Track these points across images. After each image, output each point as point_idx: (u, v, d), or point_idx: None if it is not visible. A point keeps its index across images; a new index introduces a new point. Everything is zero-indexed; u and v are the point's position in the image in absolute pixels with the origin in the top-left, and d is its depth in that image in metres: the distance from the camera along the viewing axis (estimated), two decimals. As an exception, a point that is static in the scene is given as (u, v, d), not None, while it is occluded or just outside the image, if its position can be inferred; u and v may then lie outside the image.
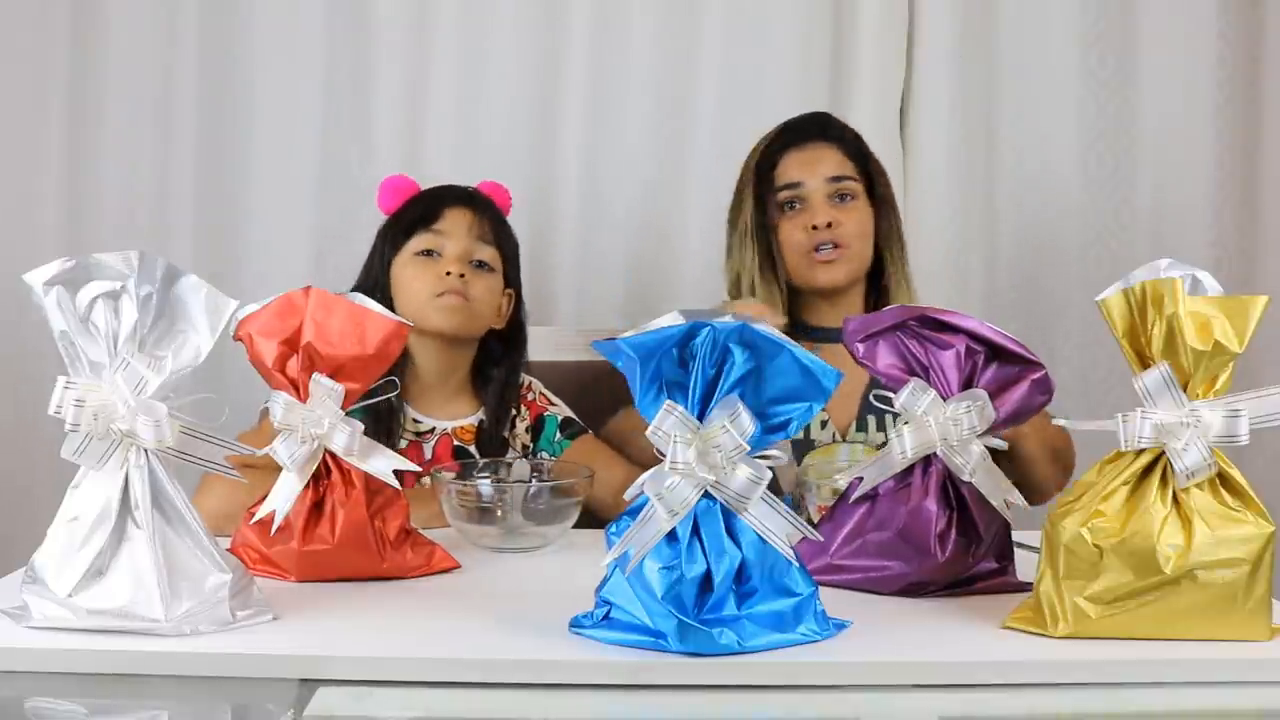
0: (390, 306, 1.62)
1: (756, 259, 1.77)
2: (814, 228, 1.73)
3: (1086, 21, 2.24)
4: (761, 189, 1.78)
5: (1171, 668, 0.99)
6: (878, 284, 1.82)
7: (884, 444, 1.70)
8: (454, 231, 1.64)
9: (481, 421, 1.69)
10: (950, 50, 2.22)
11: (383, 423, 1.60)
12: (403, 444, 1.64)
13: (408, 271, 1.65)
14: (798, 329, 1.79)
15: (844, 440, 1.74)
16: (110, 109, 2.22)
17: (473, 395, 1.71)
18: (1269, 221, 2.23)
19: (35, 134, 2.22)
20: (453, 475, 1.41)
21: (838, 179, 1.76)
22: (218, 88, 2.22)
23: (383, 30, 2.22)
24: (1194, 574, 1.00)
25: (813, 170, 1.76)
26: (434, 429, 1.67)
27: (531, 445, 1.71)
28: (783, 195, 1.77)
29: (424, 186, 1.72)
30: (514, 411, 1.72)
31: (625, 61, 2.22)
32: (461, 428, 1.68)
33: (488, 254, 1.66)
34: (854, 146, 1.81)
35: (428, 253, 1.64)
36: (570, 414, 1.74)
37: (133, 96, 2.21)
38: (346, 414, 1.19)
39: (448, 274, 1.61)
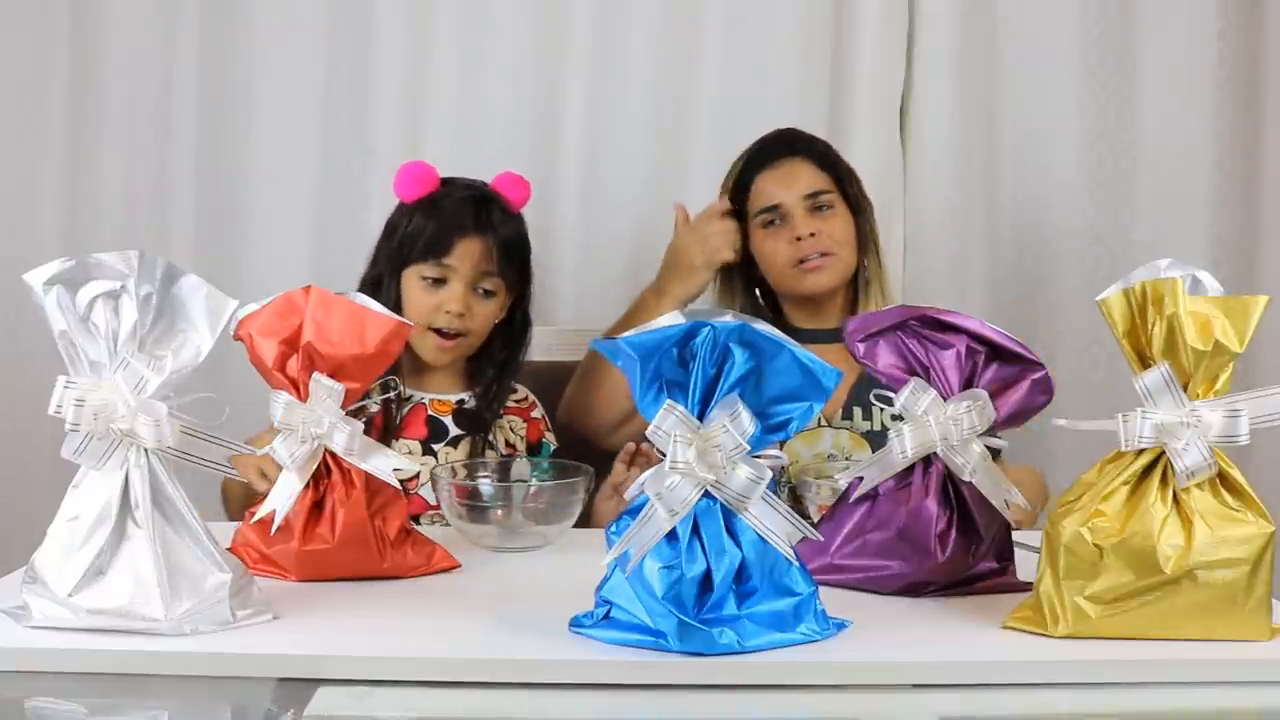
0: (398, 301, 1.67)
1: (718, 282, 1.87)
2: (798, 239, 1.77)
3: (1086, 21, 2.24)
4: (738, 213, 1.83)
5: (1171, 668, 0.99)
6: (854, 284, 1.86)
7: (869, 431, 1.73)
8: (461, 268, 1.66)
9: (461, 400, 1.72)
10: (950, 50, 2.22)
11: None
12: (374, 407, 1.65)
13: (412, 290, 1.68)
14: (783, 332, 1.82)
15: (829, 426, 1.76)
16: (110, 109, 2.21)
17: (465, 381, 1.74)
18: (1269, 221, 2.23)
19: (35, 134, 2.21)
20: (453, 475, 1.41)
21: (815, 194, 1.80)
22: (217, 88, 2.22)
23: (383, 30, 2.21)
24: (1194, 574, 1.00)
25: (789, 187, 1.80)
26: (411, 397, 1.68)
27: None
28: (762, 218, 1.81)
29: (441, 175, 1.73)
30: (500, 408, 1.73)
31: (625, 61, 2.22)
32: (440, 401, 1.69)
33: (493, 283, 1.69)
34: (824, 157, 1.86)
35: (435, 280, 1.67)
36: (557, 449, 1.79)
37: (133, 96, 2.21)
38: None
39: (447, 312, 1.65)
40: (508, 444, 1.73)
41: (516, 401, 1.77)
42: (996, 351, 1.18)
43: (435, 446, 1.68)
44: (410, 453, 1.66)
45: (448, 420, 1.70)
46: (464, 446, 1.69)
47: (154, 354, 1.02)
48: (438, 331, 1.67)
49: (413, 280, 1.68)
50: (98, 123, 2.21)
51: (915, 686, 0.98)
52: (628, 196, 2.23)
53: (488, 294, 1.69)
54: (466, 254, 1.66)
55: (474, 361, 1.74)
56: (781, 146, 1.85)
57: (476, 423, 1.70)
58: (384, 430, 1.66)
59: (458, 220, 1.67)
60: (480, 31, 2.21)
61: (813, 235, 1.76)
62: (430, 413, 1.69)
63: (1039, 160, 2.26)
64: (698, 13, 2.22)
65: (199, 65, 2.21)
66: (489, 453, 1.68)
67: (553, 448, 1.77)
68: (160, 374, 1.02)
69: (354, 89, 2.22)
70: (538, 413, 1.78)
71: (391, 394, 1.65)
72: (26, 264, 1.03)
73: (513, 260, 1.71)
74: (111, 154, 2.22)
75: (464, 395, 1.73)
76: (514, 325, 1.75)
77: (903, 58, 2.23)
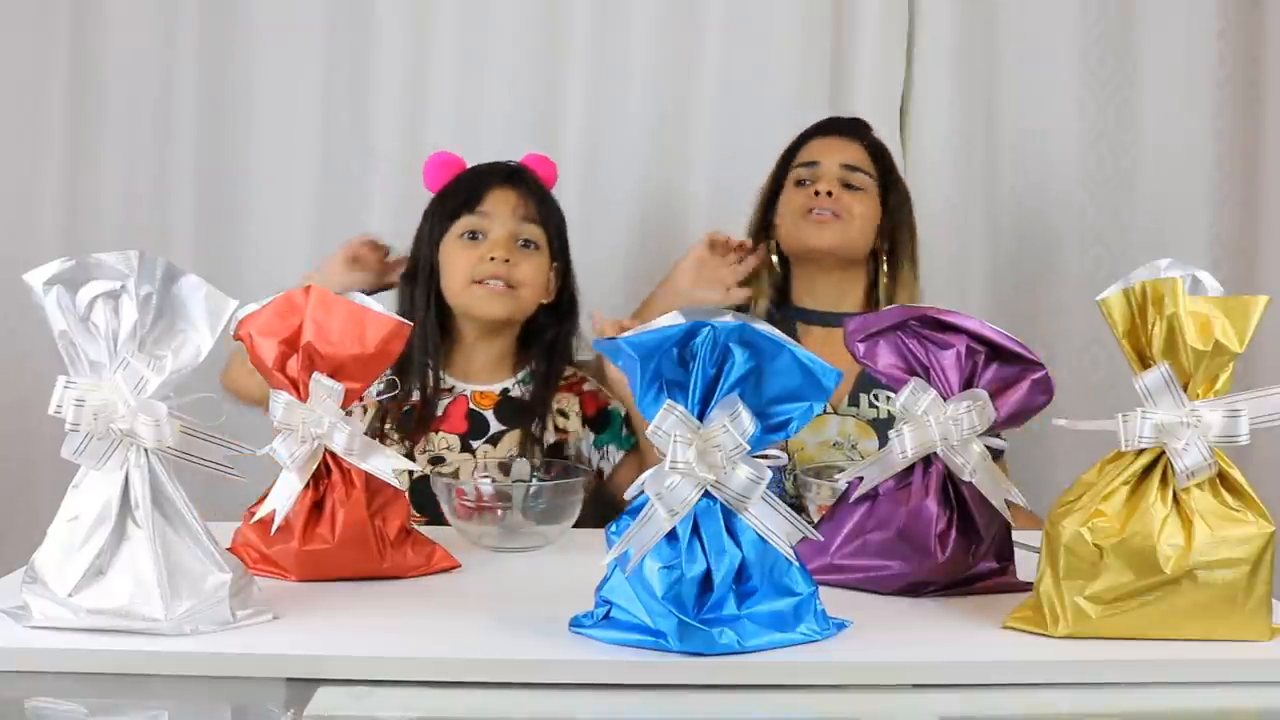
0: (438, 286, 1.68)
1: (754, 224, 1.91)
2: (816, 193, 1.80)
3: (1086, 21, 2.24)
4: (780, 171, 1.89)
5: (1171, 668, 0.99)
6: (878, 280, 1.88)
7: (874, 419, 1.73)
8: (498, 213, 1.66)
9: (505, 390, 1.69)
10: (950, 49, 2.22)
11: (407, 376, 1.63)
12: (414, 396, 1.64)
13: (452, 254, 1.67)
14: (790, 313, 1.83)
15: (835, 413, 1.76)
16: (110, 109, 2.21)
17: (510, 366, 1.72)
18: (1269, 221, 2.23)
19: (35, 134, 2.22)
20: (452, 474, 1.41)
21: (852, 167, 1.84)
22: (217, 87, 2.22)
23: (383, 30, 2.21)
24: (1194, 574, 1.00)
25: (829, 154, 1.85)
26: (453, 388, 1.67)
27: (594, 436, 1.70)
28: (798, 173, 1.85)
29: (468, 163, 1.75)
30: (553, 390, 1.70)
31: (625, 61, 2.22)
32: (481, 393, 1.68)
33: (533, 232, 1.68)
34: (877, 150, 1.89)
35: (472, 235, 1.66)
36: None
37: (133, 96, 2.21)
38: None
39: (491, 259, 1.64)
40: (559, 429, 1.69)
41: (564, 378, 1.73)
42: (996, 351, 1.18)
43: (474, 443, 1.65)
44: (448, 448, 1.64)
45: (489, 414, 1.67)
46: (505, 443, 1.65)
47: (154, 354, 1.02)
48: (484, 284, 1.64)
49: (451, 244, 1.67)
50: (98, 123, 2.21)
51: (915, 686, 0.98)
52: (628, 196, 2.23)
53: (530, 246, 1.67)
54: (501, 200, 1.66)
55: (521, 342, 1.72)
56: (843, 122, 1.91)
57: (525, 413, 1.66)
58: (422, 420, 1.64)
59: (487, 177, 1.69)
60: (480, 31, 2.21)
61: (831, 194, 1.79)
62: (471, 405, 1.66)
63: (1039, 160, 2.26)
64: (698, 13, 2.22)
65: (199, 65, 2.21)
66: (534, 449, 1.63)
67: (623, 412, 1.70)
68: (160, 374, 1.02)
69: (354, 89, 2.22)
70: (590, 385, 1.74)
71: (395, 393, 1.64)
72: (26, 264, 1.03)
73: (550, 215, 1.70)
74: (111, 154, 2.22)
75: (508, 383, 1.70)
76: (561, 307, 1.74)
77: (903, 57, 2.23)
